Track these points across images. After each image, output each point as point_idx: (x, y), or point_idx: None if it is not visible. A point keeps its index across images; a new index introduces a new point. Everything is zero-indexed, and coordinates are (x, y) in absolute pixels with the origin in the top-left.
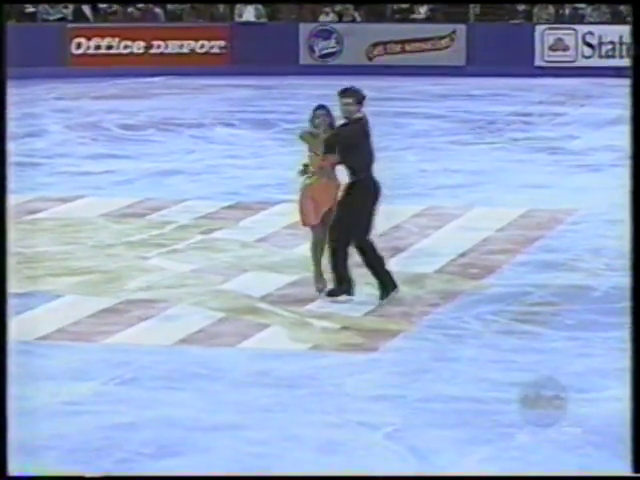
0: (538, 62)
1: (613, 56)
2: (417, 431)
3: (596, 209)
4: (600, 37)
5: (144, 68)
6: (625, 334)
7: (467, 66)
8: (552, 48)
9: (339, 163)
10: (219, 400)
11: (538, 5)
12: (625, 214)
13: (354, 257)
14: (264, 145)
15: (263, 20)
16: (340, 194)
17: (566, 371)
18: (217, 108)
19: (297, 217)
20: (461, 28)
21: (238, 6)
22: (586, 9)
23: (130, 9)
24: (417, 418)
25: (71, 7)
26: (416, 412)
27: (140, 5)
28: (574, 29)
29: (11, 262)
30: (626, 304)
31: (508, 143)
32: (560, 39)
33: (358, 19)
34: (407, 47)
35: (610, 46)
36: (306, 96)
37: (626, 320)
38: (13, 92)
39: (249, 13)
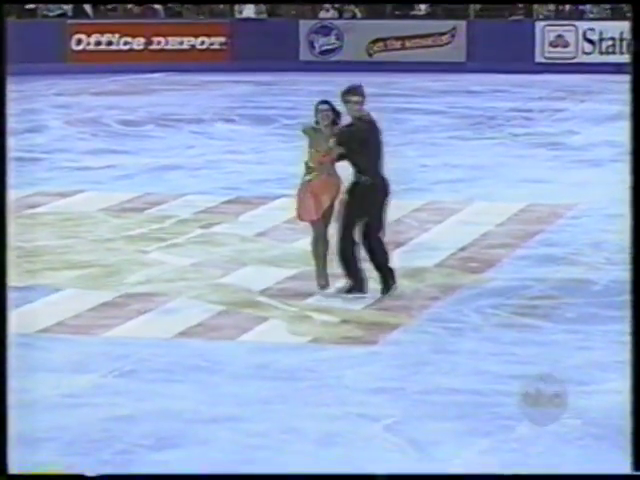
0: (538, 58)
1: (613, 52)
2: (416, 423)
3: (596, 204)
4: (600, 33)
5: (144, 64)
6: (625, 327)
7: (467, 62)
8: (552, 44)
9: (340, 159)
10: (218, 393)
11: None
12: (625, 209)
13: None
14: (264, 140)
15: (263, 16)
16: (349, 192)
17: (566, 364)
18: (217, 104)
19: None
20: (461, 24)
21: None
22: (586, 5)
23: (130, 5)
24: (417, 410)
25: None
26: (416, 404)
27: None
28: (574, 25)
29: (11, 256)
30: (626, 297)
31: (508, 138)
32: (560, 35)
33: (358, 15)
34: (407, 43)
35: (610, 42)
36: (306, 92)
37: (626, 313)
38: (13, 88)
39: (249, 9)
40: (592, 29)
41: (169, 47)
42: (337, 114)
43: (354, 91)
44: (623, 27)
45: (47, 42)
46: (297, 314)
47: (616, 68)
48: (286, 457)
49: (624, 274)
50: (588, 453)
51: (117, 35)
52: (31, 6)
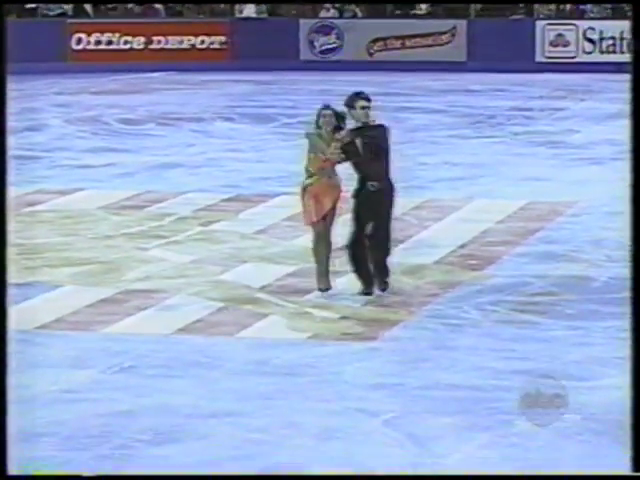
0: (539, 58)
1: (614, 51)
2: (416, 418)
3: (596, 201)
4: (601, 32)
5: (144, 63)
6: (625, 324)
7: (468, 62)
8: (553, 44)
9: (340, 162)
10: (218, 388)
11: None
12: (625, 206)
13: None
14: (264, 139)
15: (263, 16)
16: (358, 198)
17: (566, 360)
18: (217, 103)
19: (296, 209)
20: (462, 24)
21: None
22: (587, 5)
23: (130, 5)
24: (416, 405)
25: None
26: (415, 400)
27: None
28: (575, 25)
29: (10, 253)
30: (626, 294)
31: (508, 137)
32: (561, 35)
33: (359, 15)
34: (407, 43)
35: (611, 41)
36: (306, 91)
37: (626, 310)
38: (13, 87)
39: (249, 9)
40: (592, 28)
41: (169, 46)
42: (341, 119)
43: (361, 96)
44: (623, 26)
45: (47, 41)
46: (297, 310)
47: (616, 67)
48: (286, 452)
49: (624, 271)
50: (587, 448)
51: (117, 34)
52: (31, 5)
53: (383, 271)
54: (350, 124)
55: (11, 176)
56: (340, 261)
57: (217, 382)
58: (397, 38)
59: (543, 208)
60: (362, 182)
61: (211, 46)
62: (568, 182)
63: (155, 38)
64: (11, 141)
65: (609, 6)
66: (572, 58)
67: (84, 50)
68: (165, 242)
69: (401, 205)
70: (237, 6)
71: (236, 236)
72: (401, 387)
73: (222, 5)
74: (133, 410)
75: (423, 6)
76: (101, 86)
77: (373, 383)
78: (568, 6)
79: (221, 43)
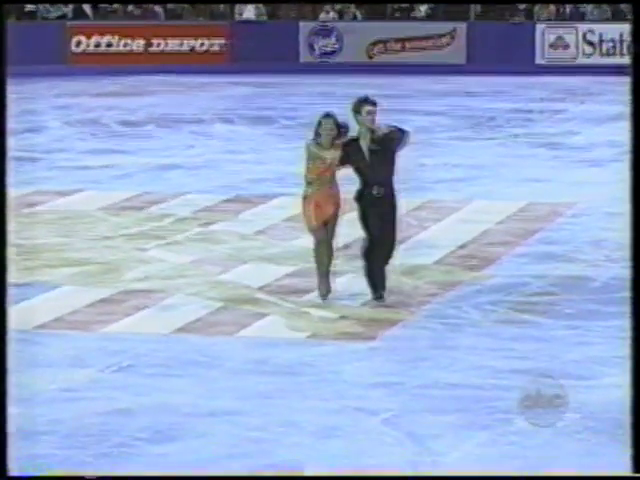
0: (539, 60)
1: (614, 54)
2: (415, 417)
3: (596, 202)
4: (601, 35)
5: (144, 66)
6: (624, 323)
7: (467, 64)
8: (553, 46)
9: (341, 167)
10: (217, 387)
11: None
12: (625, 207)
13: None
14: (263, 140)
15: (263, 18)
16: (365, 204)
17: (565, 359)
18: (217, 105)
19: (296, 210)
20: (461, 26)
21: (238, 4)
22: (587, 7)
23: (130, 7)
24: (415, 404)
25: (71, 5)
26: (414, 398)
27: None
28: (575, 27)
29: (9, 253)
30: (625, 294)
31: (508, 139)
32: (561, 37)
33: (359, 17)
34: (407, 45)
35: (611, 44)
36: (306, 93)
37: (625, 310)
38: (12, 89)
39: (249, 11)
40: (592, 31)
41: (169, 49)
42: (342, 129)
43: (367, 101)
44: (623, 29)
45: (47, 44)
46: (296, 310)
47: (616, 70)
48: (284, 450)
49: (623, 271)
50: (586, 446)
51: (117, 37)
52: (31, 8)
53: (382, 279)
54: (352, 131)
55: (10, 177)
56: (340, 261)
57: (216, 381)
58: (397, 41)
59: (543, 209)
60: (365, 186)
61: (211, 49)
62: (568, 183)
63: (155, 41)
64: (11, 142)
65: (609, 9)
66: (572, 61)
67: (84, 52)
68: (164, 243)
69: (401, 206)
70: (237, 9)
71: (235, 237)
72: (400, 386)
73: (222, 8)
74: (132, 409)
75: (423, 8)
76: (101, 88)
77: (372, 382)
78: (568, 9)
79: (221, 46)
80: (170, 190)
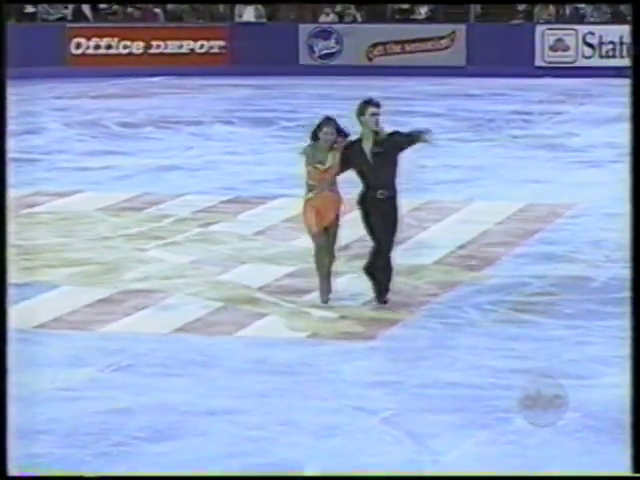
0: (538, 62)
1: (614, 56)
2: (414, 416)
3: (595, 203)
4: (600, 37)
5: (143, 68)
6: (624, 323)
7: (467, 66)
8: (552, 48)
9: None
10: (216, 386)
11: (538, 5)
12: (625, 208)
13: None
14: (263, 142)
15: (263, 20)
16: (370, 208)
17: (565, 358)
18: (216, 107)
19: (295, 211)
20: (461, 28)
21: (238, 6)
22: (587, 9)
23: (130, 9)
24: (414, 403)
25: (71, 7)
26: (413, 398)
27: (140, 5)
28: (574, 29)
29: (9, 254)
30: (625, 294)
31: (508, 140)
32: (560, 39)
33: (359, 19)
34: (407, 47)
35: (610, 46)
36: (306, 95)
37: (625, 310)
38: (12, 91)
39: (249, 13)
40: (592, 33)
41: (168, 51)
42: (342, 133)
43: (371, 103)
44: (623, 31)
45: (47, 46)
46: (295, 310)
47: (616, 72)
48: (283, 449)
49: (623, 271)
50: (586, 445)
51: (116, 39)
52: (31, 10)
53: (387, 284)
54: (352, 134)
55: (10, 178)
56: (340, 262)
57: (215, 380)
58: (396, 43)
59: (542, 210)
60: (367, 188)
61: (210, 51)
62: (567, 184)
63: (154, 43)
64: (10, 144)
65: (609, 11)
66: (572, 63)
67: (83, 54)
68: (163, 243)
69: (401, 206)
70: (236, 11)
71: (235, 237)
72: (400, 385)
73: (221, 10)
74: (131, 408)
75: (423, 10)
76: (100, 90)
77: (371, 381)
78: (568, 11)
79: (220, 48)
80: (169, 191)
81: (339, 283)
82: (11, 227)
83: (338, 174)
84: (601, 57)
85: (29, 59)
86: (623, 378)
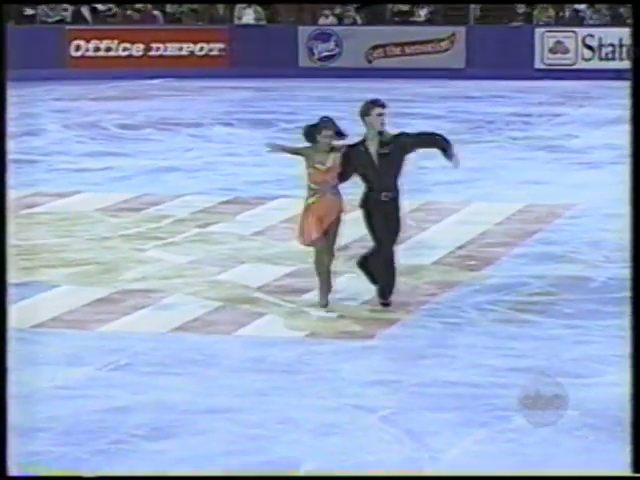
0: (538, 65)
1: (613, 58)
2: (413, 414)
3: (595, 204)
4: (600, 39)
5: (143, 70)
6: (623, 322)
7: (467, 68)
8: (552, 51)
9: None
10: (214, 385)
11: (538, 8)
12: (624, 208)
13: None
14: (262, 143)
15: (262, 23)
16: (374, 210)
17: (564, 357)
18: (216, 109)
19: (295, 211)
20: (461, 30)
21: (237, 9)
22: (586, 12)
23: (129, 12)
24: (413, 402)
25: (70, 9)
26: (412, 396)
27: (139, 6)
28: (574, 31)
29: (8, 254)
30: (624, 294)
31: (507, 142)
32: (560, 42)
33: (358, 22)
34: (407, 50)
35: (610, 48)
36: (305, 98)
37: (624, 309)
38: (12, 93)
39: (248, 16)
40: (591, 35)
41: (168, 53)
42: (340, 134)
43: (376, 104)
44: (622, 33)
45: (46, 48)
46: (294, 310)
47: (616, 74)
48: (282, 447)
49: (622, 271)
50: (585, 443)
51: (116, 41)
52: (30, 12)
53: (391, 285)
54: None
55: (9, 179)
56: (339, 261)
57: (214, 379)
58: (396, 45)
59: (541, 210)
60: (371, 190)
61: (210, 53)
62: (567, 185)
63: (154, 45)
64: (10, 145)
65: (608, 13)
66: (571, 65)
67: (83, 57)
68: (162, 243)
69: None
70: (236, 13)
71: (234, 237)
72: (399, 384)
73: (221, 12)
74: (129, 406)
75: (422, 13)
76: (100, 92)
77: (370, 380)
78: (567, 13)
79: (220, 50)
80: (168, 192)
81: (338, 283)
82: (10, 227)
83: (343, 180)
84: (600, 59)
85: (29, 61)
86: (622, 377)
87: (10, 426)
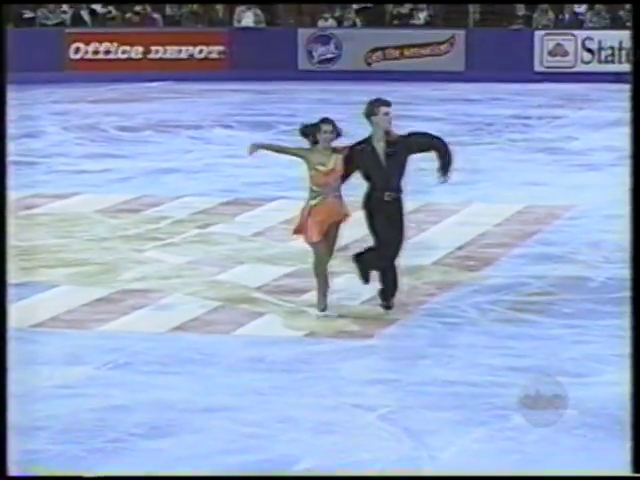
0: (537, 67)
1: (612, 61)
2: (412, 413)
3: (594, 205)
4: (599, 42)
5: (142, 73)
6: (622, 322)
7: (466, 71)
8: (551, 53)
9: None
10: (213, 384)
11: (538, 11)
12: (623, 210)
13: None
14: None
15: (262, 25)
16: (376, 210)
17: (563, 357)
18: (215, 111)
19: (294, 212)
20: (460, 33)
21: (237, 11)
22: (586, 15)
23: (128, 14)
24: (412, 401)
25: (69, 12)
26: (411, 395)
27: (138, 9)
28: (573, 34)
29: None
30: (623, 294)
31: (507, 144)
32: (559, 44)
33: (358, 25)
34: (406, 52)
35: (609, 51)
36: (305, 100)
37: (623, 309)
38: (11, 96)
39: (248, 18)
40: (591, 38)
41: (167, 56)
42: (339, 133)
43: (382, 102)
44: (622, 36)
45: (45, 51)
46: (293, 309)
47: (615, 77)
48: (281, 445)
49: (622, 272)
50: (583, 442)
51: (115, 44)
52: (29, 15)
53: (394, 288)
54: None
55: (9, 180)
56: (338, 261)
57: (212, 378)
58: (395, 48)
59: (541, 211)
60: (374, 190)
61: (209, 56)
62: (566, 187)
63: (153, 48)
64: (10, 147)
65: (608, 16)
66: (570, 68)
67: (82, 59)
68: (161, 244)
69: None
70: (235, 16)
71: (233, 238)
72: (397, 383)
73: (220, 15)
74: (128, 405)
75: (421, 16)
76: (99, 95)
77: (369, 379)
78: (567, 16)
79: (219, 53)
80: (168, 193)
81: (337, 283)
82: (10, 228)
83: (344, 180)
84: (600, 62)
85: (28, 64)
86: (620, 376)
87: (9, 425)
